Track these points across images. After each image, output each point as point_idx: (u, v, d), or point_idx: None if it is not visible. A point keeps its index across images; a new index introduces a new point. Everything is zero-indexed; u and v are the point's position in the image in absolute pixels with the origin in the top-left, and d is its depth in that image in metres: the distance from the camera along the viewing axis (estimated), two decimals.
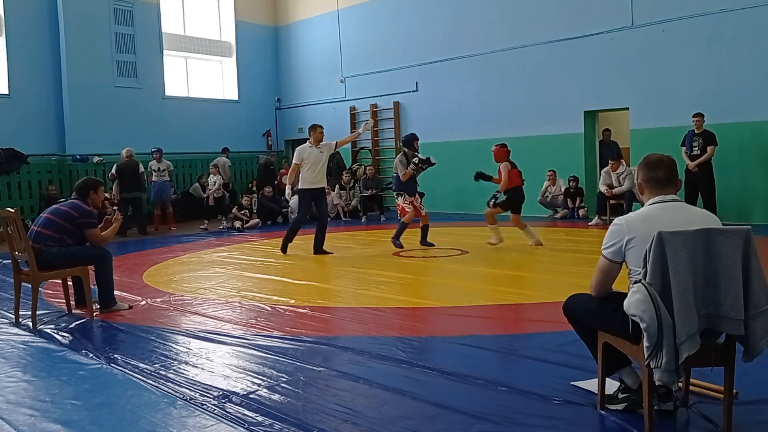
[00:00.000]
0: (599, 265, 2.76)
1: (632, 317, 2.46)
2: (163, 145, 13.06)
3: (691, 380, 2.96)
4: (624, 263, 2.70)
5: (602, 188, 10.55)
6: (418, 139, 8.61)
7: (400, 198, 8.47)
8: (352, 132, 13.71)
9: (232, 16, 16.23)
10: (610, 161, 10.69)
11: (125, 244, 10.21)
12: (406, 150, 8.48)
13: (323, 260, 7.84)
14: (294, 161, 8.29)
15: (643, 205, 2.76)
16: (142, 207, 12.12)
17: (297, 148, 8.35)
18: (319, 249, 8.30)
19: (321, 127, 8.36)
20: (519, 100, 12.30)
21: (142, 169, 11.82)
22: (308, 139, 8.33)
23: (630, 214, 2.75)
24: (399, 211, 8.62)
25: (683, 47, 10.23)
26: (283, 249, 8.39)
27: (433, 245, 8.40)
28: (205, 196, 13.29)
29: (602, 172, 10.82)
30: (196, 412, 3.07)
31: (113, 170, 11.77)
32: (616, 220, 2.71)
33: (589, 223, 10.56)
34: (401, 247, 8.36)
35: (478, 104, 12.96)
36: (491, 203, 8.11)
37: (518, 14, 12.20)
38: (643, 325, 2.39)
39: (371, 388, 3.34)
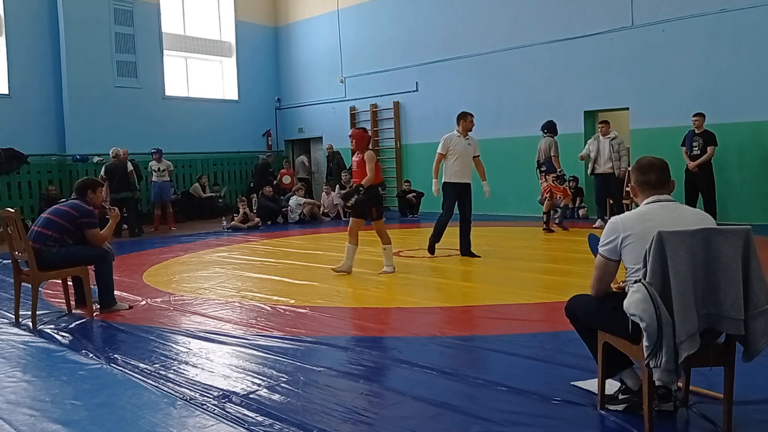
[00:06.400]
0: (596, 263, 2.80)
1: (632, 317, 2.47)
2: (163, 145, 13.06)
3: (690, 385, 2.96)
4: (622, 262, 2.73)
5: (584, 153, 10.07)
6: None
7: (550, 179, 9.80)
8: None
9: (232, 16, 16.23)
10: (598, 125, 10.08)
11: (125, 244, 10.21)
12: (553, 135, 9.95)
13: (322, 260, 7.82)
14: (438, 151, 7.37)
15: (638, 205, 2.82)
16: (133, 207, 11.65)
17: (443, 137, 7.41)
18: (466, 251, 7.46)
19: (471, 115, 7.43)
20: (519, 100, 12.30)
21: (130, 167, 11.34)
22: (456, 128, 7.44)
23: (626, 212, 2.81)
24: (552, 193, 9.75)
25: (683, 47, 10.23)
26: (431, 250, 7.67)
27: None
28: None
29: (590, 139, 10.18)
30: (196, 412, 3.07)
31: (102, 172, 11.28)
32: (612, 218, 2.78)
33: (594, 225, 10.27)
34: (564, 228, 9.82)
35: (478, 104, 12.87)
36: (351, 202, 6.43)
37: (518, 14, 12.20)
38: (642, 325, 2.40)
39: (371, 388, 3.34)
